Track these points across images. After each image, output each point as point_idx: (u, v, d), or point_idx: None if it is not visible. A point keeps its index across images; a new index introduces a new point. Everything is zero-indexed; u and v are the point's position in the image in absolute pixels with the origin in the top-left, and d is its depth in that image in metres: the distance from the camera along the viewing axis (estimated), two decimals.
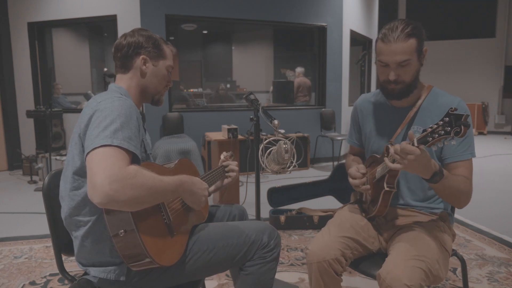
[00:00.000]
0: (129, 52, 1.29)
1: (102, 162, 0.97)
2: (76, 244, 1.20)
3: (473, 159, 1.40)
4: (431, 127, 1.08)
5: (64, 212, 1.19)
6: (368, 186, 1.42)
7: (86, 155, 1.02)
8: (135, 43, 1.29)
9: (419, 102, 1.42)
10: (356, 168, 1.44)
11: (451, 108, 1.05)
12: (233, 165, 1.60)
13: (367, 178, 1.45)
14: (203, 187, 1.26)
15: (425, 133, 1.10)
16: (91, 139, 1.03)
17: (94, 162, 0.98)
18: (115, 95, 1.16)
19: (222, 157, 1.65)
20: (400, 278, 1.14)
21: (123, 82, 1.31)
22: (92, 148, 1.01)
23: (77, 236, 1.18)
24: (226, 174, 1.61)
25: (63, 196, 1.19)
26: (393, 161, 1.21)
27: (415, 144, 1.11)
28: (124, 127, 1.06)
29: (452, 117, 1.04)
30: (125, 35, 1.31)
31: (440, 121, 1.06)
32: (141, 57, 1.29)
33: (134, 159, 1.08)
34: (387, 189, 1.35)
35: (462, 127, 1.01)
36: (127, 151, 1.04)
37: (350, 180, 1.45)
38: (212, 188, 1.54)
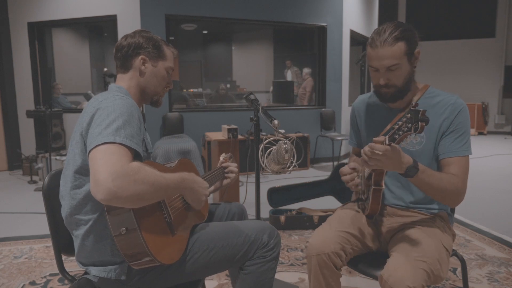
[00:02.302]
0: (129, 52, 1.30)
1: (105, 159, 0.98)
2: (76, 243, 1.21)
3: (474, 159, 1.40)
4: (397, 124, 1.08)
5: (64, 211, 1.19)
6: (358, 180, 1.43)
7: (89, 153, 1.03)
8: (135, 44, 1.30)
9: (413, 102, 1.42)
10: (347, 165, 1.46)
11: (412, 104, 1.05)
12: (233, 166, 1.61)
13: (359, 174, 1.45)
14: (203, 186, 1.28)
15: (393, 130, 1.10)
16: (94, 137, 1.04)
17: (97, 159, 0.99)
18: (116, 94, 1.17)
19: (221, 158, 1.65)
20: (403, 280, 1.14)
21: (123, 82, 1.32)
22: (94, 145, 1.02)
23: (77, 235, 1.18)
24: (226, 175, 1.61)
25: (63, 195, 1.20)
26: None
27: (387, 142, 1.11)
28: (126, 125, 1.07)
29: (412, 113, 1.03)
30: (126, 36, 1.33)
31: (403, 117, 1.06)
32: (140, 57, 1.30)
33: (136, 157, 1.09)
34: (375, 187, 1.35)
35: (420, 123, 1.01)
36: (129, 148, 1.05)
37: (342, 177, 1.46)
38: (211, 188, 1.55)
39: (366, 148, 1.14)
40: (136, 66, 1.31)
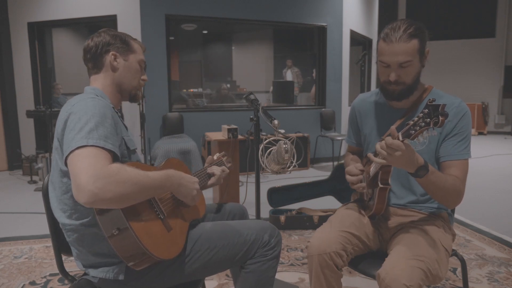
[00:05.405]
0: (98, 51, 1.30)
1: (83, 163, 0.98)
2: (73, 247, 1.21)
3: (474, 159, 1.40)
4: (413, 120, 1.09)
5: (57, 216, 1.19)
6: (364, 184, 1.42)
7: (66, 159, 1.03)
8: (102, 42, 1.30)
9: (418, 103, 1.42)
10: (354, 166, 1.45)
11: (430, 99, 1.05)
12: (216, 169, 1.53)
13: (364, 175, 1.45)
14: (192, 181, 1.26)
15: (407, 126, 1.10)
16: (68, 143, 1.04)
17: (75, 164, 0.99)
18: (88, 96, 1.16)
19: (215, 157, 1.64)
20: (399, 278, 1.14)
21: (97, 82, 1.32)
22: (69, 151, 1.02)
23: (71, 241, 1.19)
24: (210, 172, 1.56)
25: (53, 202, 1.20)
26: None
27: (400, 138, 1.11)
28: (99, 127, 1.07)
29: (430, 108, 1.04)
30: (91, 37, 1.33)
31: (420, 113, 1.06)
32: (111, 53, 1.30)
33: (114, 158, 1.08)
34: (381, 186, 1.35)
35: (440, 117, 1.01)
36: (105, 149, 1.04)
37: (347, 177, 1.45)
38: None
39: (383, 143, 1.13)
40: (108, 64, 1.30)
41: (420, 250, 1.25)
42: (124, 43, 1.33)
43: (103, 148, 1.04)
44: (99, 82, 1.31)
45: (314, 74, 6.38)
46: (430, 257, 1.23)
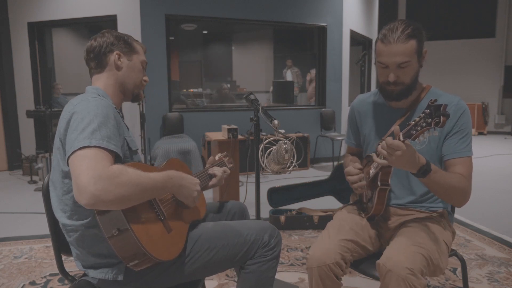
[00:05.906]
0: (102, 51, 1.30)
1: (84, 164, 0.98)
2: (73, 247, 1.21)
3: (474, 159, 1.40)
4: (414, 120, 1.09)
5: (57, 216, 1.19)
6: (364, 183, 1.43)
7: (68, 159, 1.03)
8: (106, 42, 1.30)
9: (417, 102, 1.42)
10: (352, 166, 1.45)
11: (431, 99, 1.05)
12: (218, 170, 1.54)
13: (364, 175, 1.45)
14: (193, 182, 1.26)
15: (409, 126, 1.10)
16: (71, 143, 1.04)
17: (76, 165, 0.99)
18: (91, 96, 1.16)
19: (216, 157, 1.64)
20: (402, 263, 1.14)
21: (99, 82, 1.31)
22: (72, 151, 1.02)
23: (71, 241, 1.19)
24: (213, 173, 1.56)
25: (53, 201, 1.20)
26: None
27: (401, 138, 1.12)
28: (101, 127, 1.06)
29: (432, 108, 1.04)
30: (94, 37, 1.33)
31: (422, 113, 1.07)
32: (115, 52, 1.30)
33: (116, 159, 1.08)
34: (381, 186, 1.35)
35: (441, 117, 1.01)
36: (108, 150, 1.04)
37: (348, 177, 1.45)
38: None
39: (384, 143, 1.13)
40: (111, 63, 1.30)
41: (421, 239, 1.25)
42: (127, 44, 1.33)
43: (105, 148, 1.04)
44: (102, 81, 1.31)
45: (313, 75, 6.37)
46: (431, 247, 1.24)
